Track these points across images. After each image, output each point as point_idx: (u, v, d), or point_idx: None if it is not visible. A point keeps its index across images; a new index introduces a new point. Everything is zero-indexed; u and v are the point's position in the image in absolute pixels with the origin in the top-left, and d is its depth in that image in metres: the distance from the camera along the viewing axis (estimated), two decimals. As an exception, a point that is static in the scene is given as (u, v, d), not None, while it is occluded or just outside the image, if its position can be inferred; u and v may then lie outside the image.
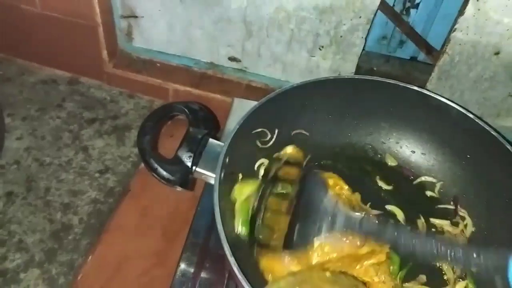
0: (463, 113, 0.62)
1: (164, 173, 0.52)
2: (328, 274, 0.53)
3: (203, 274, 0.63)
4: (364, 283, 0.56)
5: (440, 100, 0.64)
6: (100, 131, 0.95)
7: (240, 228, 0.57)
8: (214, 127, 0.58)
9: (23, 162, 0.88)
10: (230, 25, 0.89)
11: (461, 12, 0.73)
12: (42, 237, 0.79)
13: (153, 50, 1.00)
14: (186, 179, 0.54)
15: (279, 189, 0.60)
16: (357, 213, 0.54)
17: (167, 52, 0.99)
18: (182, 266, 0.64)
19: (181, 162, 0.53)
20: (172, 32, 0.94)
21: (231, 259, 0.44)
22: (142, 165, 0.91)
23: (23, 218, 0.81)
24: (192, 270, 0.63)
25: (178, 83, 0.97)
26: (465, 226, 0.63)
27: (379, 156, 0.71)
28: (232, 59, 0.95)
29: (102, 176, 0.88)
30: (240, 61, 0.95)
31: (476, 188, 0.63)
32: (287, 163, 0.64)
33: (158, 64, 1.00)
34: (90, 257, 0.78)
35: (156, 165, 0.52)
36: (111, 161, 0.90)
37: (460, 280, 0.59)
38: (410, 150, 0.70)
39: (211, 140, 0.57)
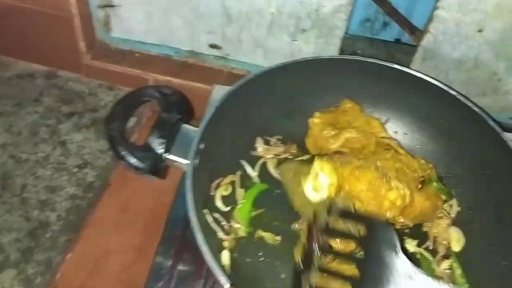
0: (444, 90, 0.60)
1: (133, 160, 0.50)
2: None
3: (180, 266, 0.61)
4: None
5: (421, 78, 0.62)
6: (78, 125, 0.92)
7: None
8: (188, 112, 0.55)
9: (-1, 159, 0.85)
10: (209, 11, 0.86)
11: (443, -11, 0.71)
12: (18, 236, 0.76)
13: (132, 40, 0.97)
14: (157, 167, 0.52)
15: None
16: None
17: (146, 41, 0.96)
18: (159, 258, 0.62)
19: (152, 149, 0.51)
20: (151, 20, 0.91)
21: (206, 252, 0.41)
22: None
23: (-2, 217, 0.78)
24: (169, 262, 0.61)
25: (158, 72, 0.94)
26: (450, 206, 0.61)
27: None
28: (213, 46, 0.93)
29: (81, 171, 0.85)
30: (221, 48, 0.93)
31: (461, 167, 0.62)
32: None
33: (137, 54, 0.97)
34: (69, 254, 0.75)
35: (124, 152, 0.50)
36: (90, 155, 0.87)
37: (445, 259, 0.57)
38: (393, 130, 0.68)
39: (184, 125, 0.55)
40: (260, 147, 0.64)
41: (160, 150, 0.51)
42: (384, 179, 0.53)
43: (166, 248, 0.62)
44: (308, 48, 0.86)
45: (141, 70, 0.95)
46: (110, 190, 0.84)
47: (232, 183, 0.61)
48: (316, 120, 0.65)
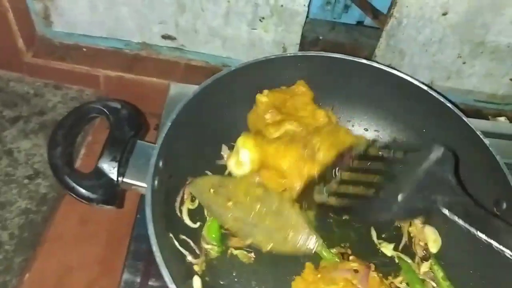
0: (413, 83, 0.58)
1: (83, 191, 0.45)
2: (244, 185, 0.56)
3: (151, 283, 0.58)
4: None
5: (387, 71, 0.60)
6: (25, 131, 0.85)
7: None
8: (141, 126, 0.50)
9: None
10: (159, -1, 0.80)
11: (406, -29, 0.68)
12: (-33, 260, 0.70)
13: (77, 33, 0.89)
14: (113, 195, 0.47)
15: None
16: None
17: (93, 34, 0.89)
18: (126, 275, 0.59)
19: (104, 175, 0.46)
20: (95, 11, 0.84)
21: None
22: (79, 163, 0.83)
23: None
24: (138, 279, 0.58)
25: (108, 68, 0.88)
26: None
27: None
28: (166, 37, 0.87)
29: (32, 182, 0.79)
30: (175, 38, 0.87)
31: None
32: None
33: (84, 49, 0.90)
34: (26, 275, 0.70)
35: (72, 183, 0.45)
36: (40, 163, 0.81)
37: (424, 261, 0.56)
38: (363, 128, 0.66)
39: (140, 142, 0.50)
40: (226, 155, 0.60)
41: (113, 174, 0.46)
42: (308, 157, 0.53)
43: (133, 263, 0.59)
44: (268, 36, 0.82)
45: (89, 67, 0.88)
46: (66, 201, 0.78)
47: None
48: (263, 99, 0.62)
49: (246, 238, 0.54)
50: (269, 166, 0.55)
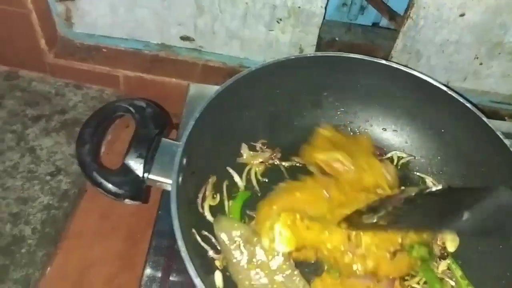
0: (430, 82, 0.58)
1: (110, 186, 0.46)
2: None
3: (172, 278, 0.59)
4: None
5: (406, 72, 0.60)
6: (47, 129, 0.86)
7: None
8: (165, 124, 0.52)
9: (-38, 172, 0.80)
10: (178, 1, 0.81)
11: (424, -27, 0.68)
12: (-9, 254, 0.72)
13: (97, 34, 0.91)
14: (138, 190, 0.48)
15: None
16: None
17: (113, 36, 0.90)
18: (148, 270, 0.59)
19: (130, 171, 0.47)
20: (116, 13, 0.86)
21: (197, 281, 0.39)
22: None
23: (-33, 235, 0.73)
24: (159, 274, 0.59)
25: (128, 68, 0.90)
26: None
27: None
28: (184, 38, 0.88)
29: (54, 178, 0.80)
30: (193, 40, 0.88)
31: (453, 164, 0.60)
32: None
33: (105, 50, 0.92)
34: (48, 269, 0.72)
35: (100, 179, 0.46)
36: (62, 161, 0.83)
37: (442, 260, 0.56)
38: (381, 127, 0.66)
39: (164, 140, 0.51)
40: (245, 154, 0.61)
41: (139, 171, 0.47)
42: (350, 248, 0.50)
43: (155, 258, 0.60)
44: (285, 37, 0.83)
45: (109, 67, 0.90)
46: (87, 197, 0.80)
47: (214, 185, 0.58)
48: (324, 132, 0.61)
49: None
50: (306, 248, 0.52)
